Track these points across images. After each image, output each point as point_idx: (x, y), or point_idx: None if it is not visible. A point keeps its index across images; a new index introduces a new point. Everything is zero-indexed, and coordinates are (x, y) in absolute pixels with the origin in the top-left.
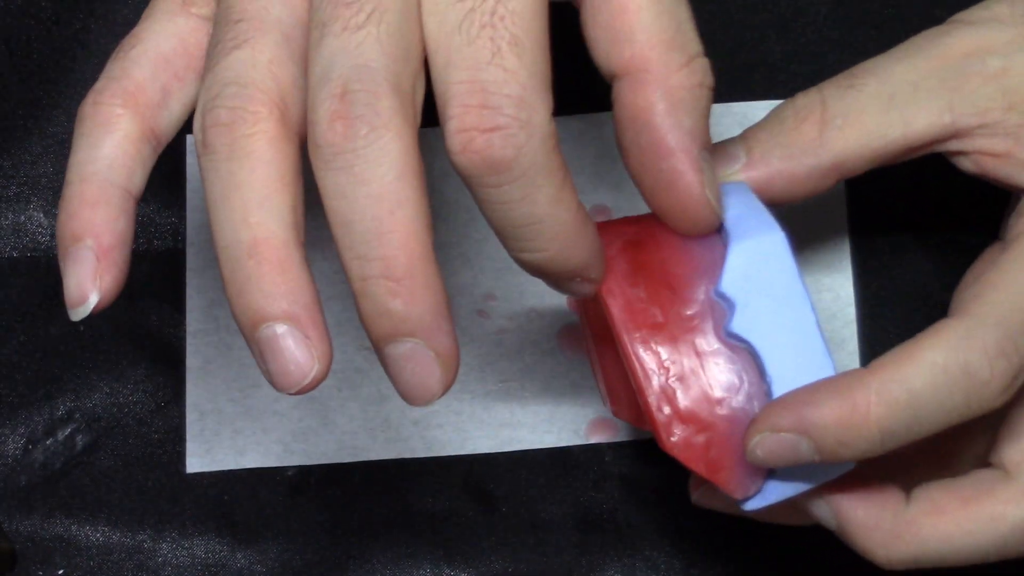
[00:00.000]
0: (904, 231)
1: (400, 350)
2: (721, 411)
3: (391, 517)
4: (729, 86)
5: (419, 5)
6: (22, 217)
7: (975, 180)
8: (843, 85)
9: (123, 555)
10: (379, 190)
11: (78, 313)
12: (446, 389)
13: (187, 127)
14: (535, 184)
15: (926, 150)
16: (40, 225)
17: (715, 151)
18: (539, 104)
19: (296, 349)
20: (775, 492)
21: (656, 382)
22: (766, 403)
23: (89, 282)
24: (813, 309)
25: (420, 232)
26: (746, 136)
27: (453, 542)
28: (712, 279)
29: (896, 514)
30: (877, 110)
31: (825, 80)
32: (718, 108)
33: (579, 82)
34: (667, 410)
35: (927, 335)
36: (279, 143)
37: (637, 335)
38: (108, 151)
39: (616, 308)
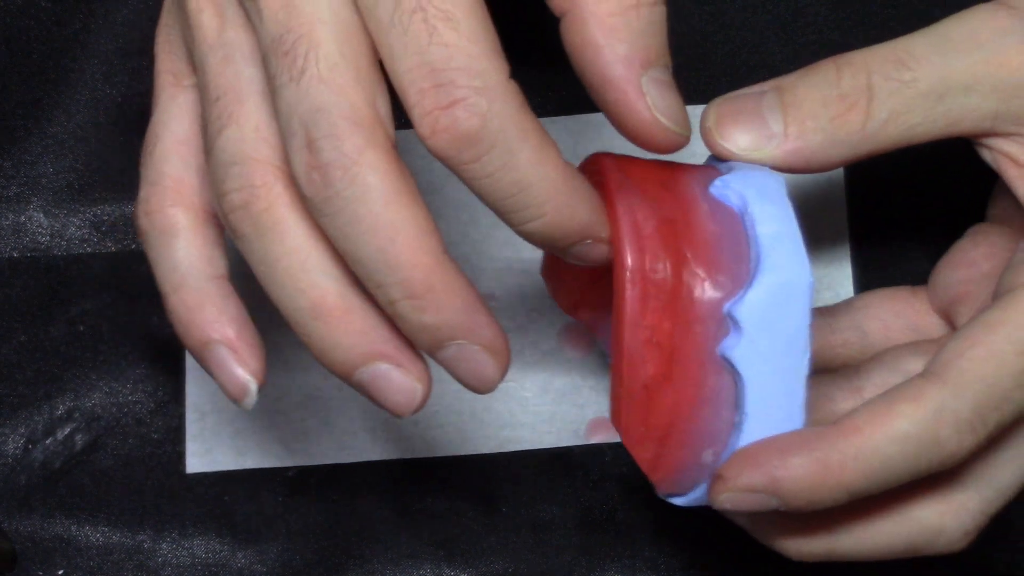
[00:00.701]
0: (904, 231)
1: (449, 354)
2: (687, 423)
3: (391, 517)
4: (729, 87)
5: (359, 21)
6: (22, 217)
7: (976, 181)
8: (893, 77)
9: (123, 555)
10: (373, 224)
11: (247, 405)
12: (504, 373)
13: None
14: (511, 149)
15: (953, 138)
16: (40, 225)
17: (748, 111)
18: (491, 69)
19: (394, 381)
20: (699, 500)
21: (640, 377)
22: (730, 435)
23: (239, 375)
24: (810, 362)
25: (427, 245)
26: (786, 107)
27: (453, 542)
28: (729, 293)
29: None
30: (924, 109)
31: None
32: None
33: (578, 82)
34: (638, 406)
35: (902, 399)
36: (296, 204)
37: (640, 327)
38: (183, 254)
39: (631, 293)
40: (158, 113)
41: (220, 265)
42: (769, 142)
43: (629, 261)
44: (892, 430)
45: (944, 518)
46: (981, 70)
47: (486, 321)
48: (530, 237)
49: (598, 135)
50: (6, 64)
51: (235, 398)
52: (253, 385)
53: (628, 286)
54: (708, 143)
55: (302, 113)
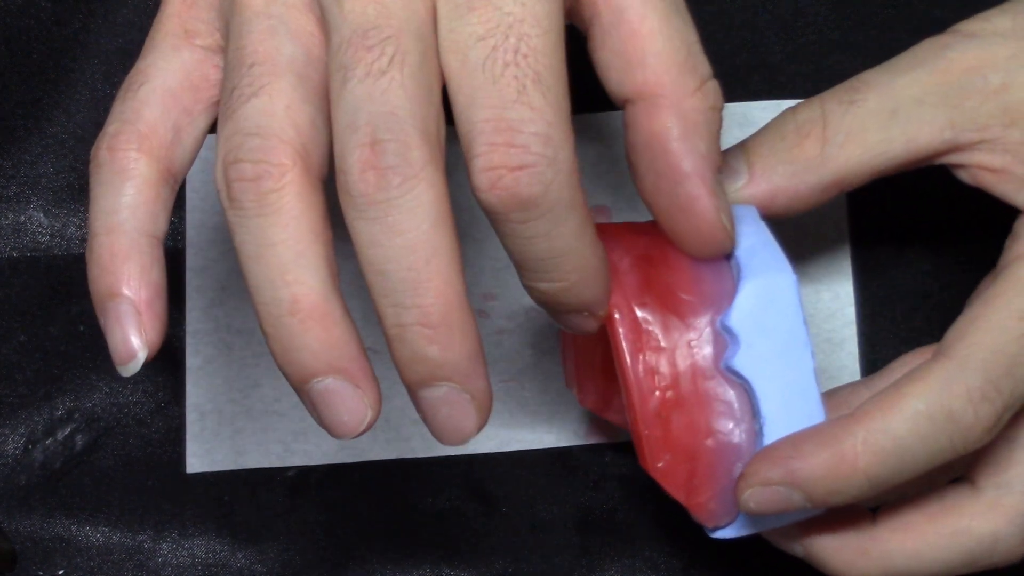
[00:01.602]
0: (903, 231)
1: (436, 394)
2: (709, 443)
3: (391, 517)
4: (729, 87)
5: (436, 42)
6: (22, 217)
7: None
8: (844, 100)
9: (123, 555)
10: (414, 240)
11: (128, 370)
12: (480, 429)
13: None
14: (560, 219)
15: (926, 163)
16: (40, 225)
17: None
18: (564, 140)
19: (348, 400)
20: (746, 526)
21: (651, 406)
22: (755, 444)
23: (134, 338)
24: (813, 356)
25: (455, 278)
26: (747, 149)
27: (453, 542)
28: (719, 309)
29: (862, 532)
30: (878, 127)
31: (825, 85)
32: None
33: (579, 82)
34: (657, 435)
35: (911, 380)
36: (307, 195)
37: (640, 358)
38: (129, 199)
39: (623, 327)
40: (152, 58)
41: (161, 227)
42: (736, 182)
43: (612, 297)
44: (902, 410)
45: (997, 525)
46: (926, 80)
47: (483, 373)
48: (536, 294)
49: (598, 135)
50: (6, 64)
51: (118, 360)
52: (142, 354)
53: (617, 322)
54: None
55: (372, 111)
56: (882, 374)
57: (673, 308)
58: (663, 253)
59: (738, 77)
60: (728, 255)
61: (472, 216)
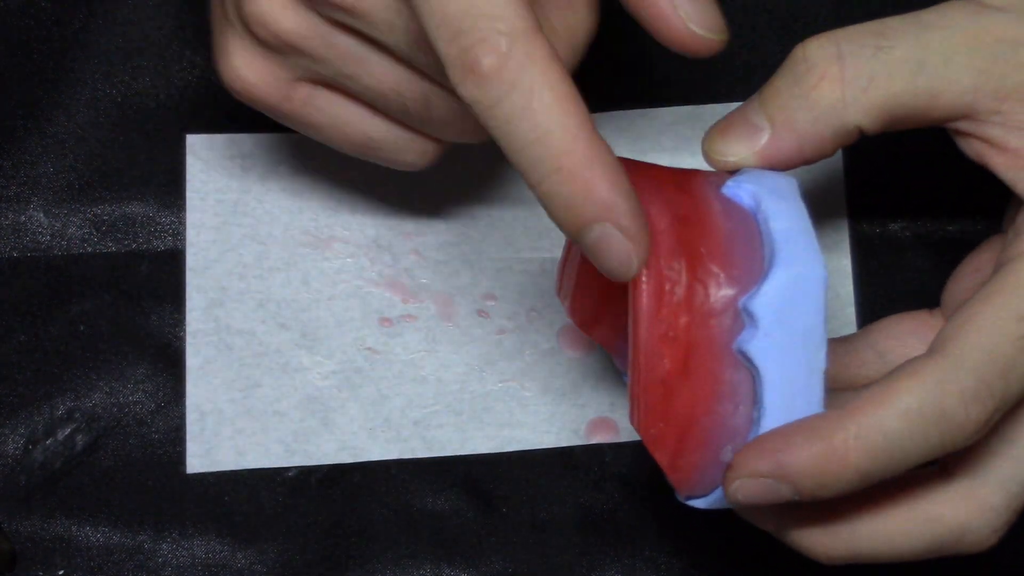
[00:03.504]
0: (904, 230)
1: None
2: (705, 419)
3: (391, 517)
4: (729, 86)
5: None
6: (22, 217)
7: (976, 179)
8: (868, 44)
9: (123, 555)
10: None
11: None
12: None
13: (184, 126)
14: (532, 91)
15: (936, 124)
16: (40, 225)
17: (736, 120)
18: (513, 15)
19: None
20: (719, 500)
21: (658, 372)
22: (749, 431)
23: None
24: (827, 357)
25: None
26: (764, 101)
27: (453, 542)
28: (745, 287)
29: (833, 512)
30: (905, 76)
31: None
32: (718, 108)
33: (579, 82)
34: (656, 403)
35: (904, 376)
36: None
37: (658, 320)
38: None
39: (648, 286)
40: None
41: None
42: (760, 139)
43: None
44: (895, 406)
45: (969, 516)
46: (959, 42)
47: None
48: (548, 200)
49: (601, 134)
50: (6, 64)
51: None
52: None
53: (644, 280)
54: (710, 164)
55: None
56: (862, 333)
57: (701, 278)
58: (700, 218)
59: (738, 77)
60: (758, 220)
61: (472, 216)
